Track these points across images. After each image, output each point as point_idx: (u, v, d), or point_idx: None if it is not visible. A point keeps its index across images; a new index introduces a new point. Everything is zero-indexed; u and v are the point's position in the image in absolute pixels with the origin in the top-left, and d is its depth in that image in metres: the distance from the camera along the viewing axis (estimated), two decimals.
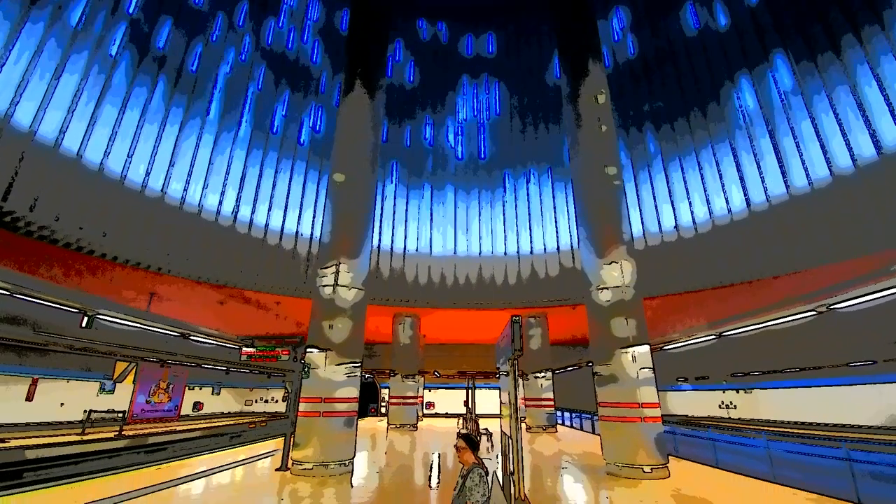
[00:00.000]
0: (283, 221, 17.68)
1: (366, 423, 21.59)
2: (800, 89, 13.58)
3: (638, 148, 18.59)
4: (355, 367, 10.07)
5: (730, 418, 21.89)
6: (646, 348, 9.83)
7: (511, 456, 4.54)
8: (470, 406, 20.12)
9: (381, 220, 20.04)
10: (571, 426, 21.39)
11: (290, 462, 9.19)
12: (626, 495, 7.64)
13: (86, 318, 14.00)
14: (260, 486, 8.32)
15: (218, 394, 30.75)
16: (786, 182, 13.58)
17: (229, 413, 31.36)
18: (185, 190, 14.82)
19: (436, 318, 21.03)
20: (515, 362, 4.55)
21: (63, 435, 14.38)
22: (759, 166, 14.39)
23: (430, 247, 20.46)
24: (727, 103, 15.79)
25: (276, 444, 13.11)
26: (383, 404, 29.84)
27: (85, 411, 16.89)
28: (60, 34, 11.61)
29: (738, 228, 14.63)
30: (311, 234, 18.25)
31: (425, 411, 30.03)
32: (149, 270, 13.43)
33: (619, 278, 10.45)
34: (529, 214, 21.00)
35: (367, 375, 28.46)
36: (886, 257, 11.04)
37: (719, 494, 7.65)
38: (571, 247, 19.27)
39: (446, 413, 30.11)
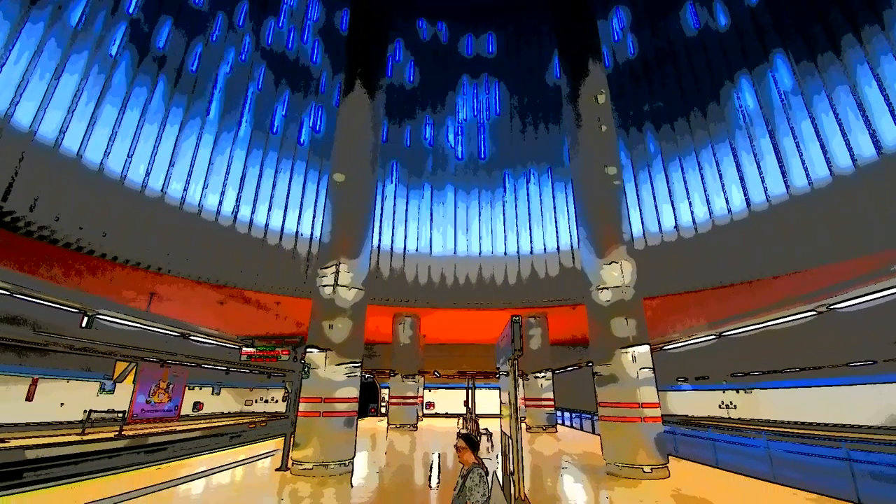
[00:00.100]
0: (283, 221, 17.68)
1: (366, 423, 21.59)
2: (800, 89, 13.58)
3: (638, 148, 18.59)
4: (355, 367, 10.07)
5: (730, 418, 21.89)
6: (646, 348, 9.83)
7: (511, 456, 4.54)
8: (470, 406, 20.13)
9: (381, 220, 20.04)
10: (571, 426, 21.39)
11: (290, 462, 9.19)
12: (626, 495, 7.64)
13: (86, 318, 14.00)
14: (260, 485, 8.32)
15: (218, 394, 30.76)
16: (786, 182, 13.58)
17: (229, 413, 31.37)
18: (185, 190, 14.82)
19: (436, 318, 21.03)
20: (515, 362, 4.55)
21: (63, 435, 14.38)
22: (759, 166, 14.39)
23: (430, 247, 20.47)
24: (727, 103, 15.79)
25: (276, 444, 13.11)
26: (383, 404, 29.84)
27: (85, 411, 16.89)
28: (60, 34, 11.61)
29: (738, 228, 14.63)
30: (311, 234, 18.25)
31: (425, 411, 30.04)
32: (149, 270, 13.43)
33: (619, 278, 10.45)
34: (529, 214, 21.00)
35: (367, 375, 28.46)
36: (886, 257, 11.04)
37: (719, 494, 7.65)
38: (571, 247, 19.28)
39: (446, 413, 30.11)
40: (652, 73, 18.78)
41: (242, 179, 16.71)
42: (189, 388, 26.93)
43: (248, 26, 17.92)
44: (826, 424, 16.26)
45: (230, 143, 16.52)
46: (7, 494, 6.63)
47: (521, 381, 19.56)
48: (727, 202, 15.15)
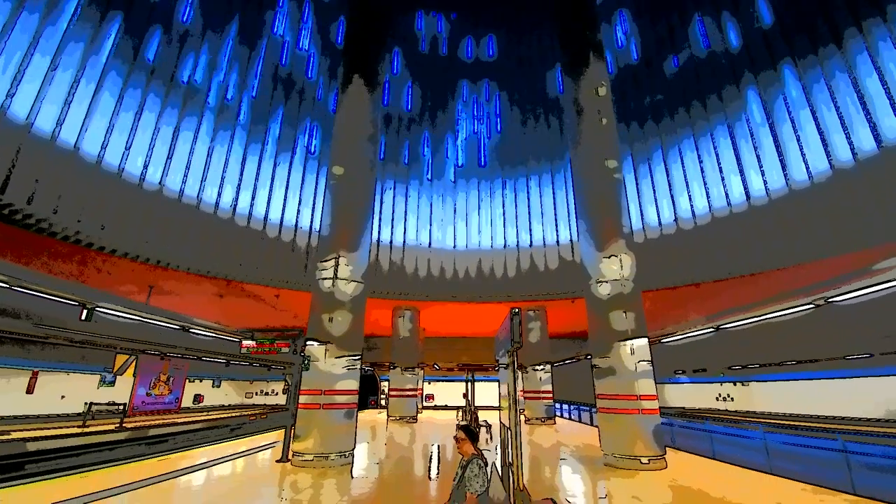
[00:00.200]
0: (283, 214, 17.63)
1: (366, 416, 21.74)
2: (801, 83, 13.49)
3: (638, 141, 18.52)
4: (355, 359, 10.10)
5: (727, 410, 22.07)
6: (644, 341, 9.88)
7: (510, 447, 4.57)
8: (469, 398, 20.24)
9: (380, 213, 20.00)
10: (570, 418, 21.55)
11: (290, 453, 9.25)
12: (624, 486, 7.72)
13: (85, 311, 14.01)
14: (261, 477, 8.39)
15: (218, 386, 30.91)
16: (786, 175, 13.55)
17: (230, 405, 31.52)
18: (184, 182, 14.72)
19: (435, 311, 21.08)
20: (515, 355, 4.55)
21: (64, 427, 14.46)
22: (759, 160, 14.35)
23: (430, 240, 20.46)
24: (727, 98, 15.70)
25: (277, 435, 13.20)
26: (383, 396, 30.02)
27: (86, 404, 16.97)
28: (56, 27, 11.46)
29: (738, 222, 14.62)
30: (311, 226, 18.21)
31: (425, 403, 30.24)
32: (148, 263, 13.40)
33: (618, 272, 10.46)
34: (529, 207, 20.98)
35: (366, 368, 28.60)
36: (886, 251, 11.06)
37: (716, 485, 7.72)
38: (571, 240, 19.29)
39: (446, 405, 30.33)
40: (652, 66, 18.67)
41: (241, 172, 16.60)
42: (189, 381, 27.07)
43: (248, 14, 17.70)
44: (822, 417, 16.40)
45: (229, 135, 16.39)
46: (9, 486, 6.67)
47: (520, 373, 19.66)
48: (726, 196, 15.12)
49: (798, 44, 13.75)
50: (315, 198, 18.86)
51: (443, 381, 31.84)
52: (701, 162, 16.20)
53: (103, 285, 15.92)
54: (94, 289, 15.59)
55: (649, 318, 11.13)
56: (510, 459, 4.55)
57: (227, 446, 11.46)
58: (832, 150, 12.44)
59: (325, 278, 10.50)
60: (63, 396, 18.31)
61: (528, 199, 21.14)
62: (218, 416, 23.00)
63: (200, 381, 29.06)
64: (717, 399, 23.30)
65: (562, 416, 22.48)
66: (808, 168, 12.99)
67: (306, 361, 9.77)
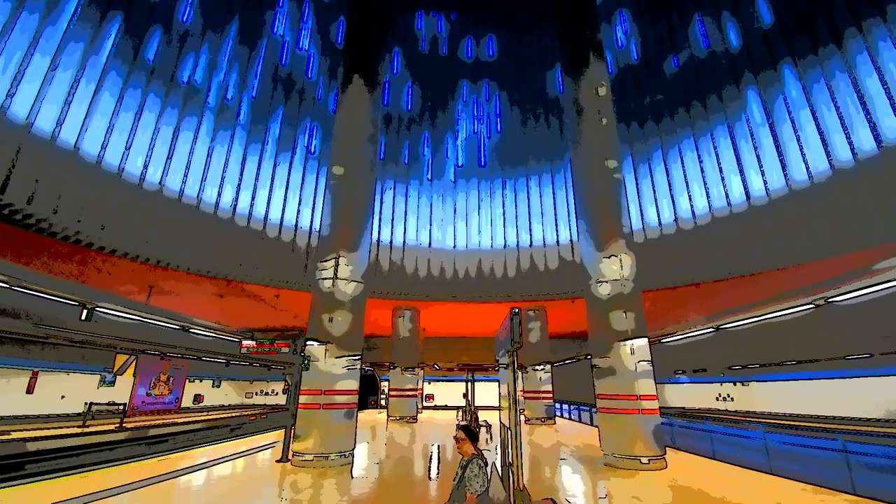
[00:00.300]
0: (283, 214, 17.62)
1: (366, 415, 21.74)
2: (801, 83, 13.49)
3: (638, 141, 18.52)
4: (355, 359, 10.10)
5: (727, 410, 22.06)
6: (644, 341, 9.88)
7: (510, 447, 4.57)
8: (469, 398, 20.24)
9: (380, 213, 20.00)
10: (570, 418, 21.54)
11: (290, 453, 9.25)
12: (624, 486, 7.72)
13: (85, 311, 14.00)
14: (261, 476, 8.39)
15: (218, 386, 30.90)
16: (786, 175, 13.55)
17: (230, 405, 31.52)
18: (184, 182, 14.72)
19: (435, 311, 21.07)
20: (514, 355, 4.55)
21: (64, 427, 14.46)
22: (759, 160, 14.35)
23: (430, 240, 20.46)
24: (727, 98, 15.69)
25: (277, 435, 13.20)
26: (383, 396, 30.02)
27: (86, 404, 16.96)
28: (56, 27, 11.45)
29: (738, 222, 14.62)
30: (311, 227, 18.21)
31: (425, 403, 30.23)
32: (148, 263, 13.40)
33: (618, 272, 10.46)
34: (529, 207, 20.98)
35: (366, 368, 28.60)
36: (886, 251, 11.05)
37: (716, 485, 7.72)
38: (571, 240, 19.29)
39: (446, 405, 30.32)
40: (652, 66, 18.67)
41: (241, 172, 16.60)
42: (189, 381, 27.06)
43: (248, 14, 17.70)
44: (822, 417, 16.39)
45: (229, 135, 16.39)
46: (8, 486, 6.67)
47: (520, 373, 19.66)
48: (727, 196, 15.12)
49: (798, 44, 13.75)
50: (315, 198, 18.86)
51: (443, 381, 31.84)
52: (701, 162, 16.21)
53: (103, 285, 15.92)
54: (94, 289, 15.59)
55: (649, 318, 11.13)
56: (510, 459, 4.55)
57: (227, 446, 11.45)
58: (832, 150, 12.43)
59: (325, 278, 10.49)
60: (63, 396, 18.31)
61: (528, 199, 21.15)
62: (218, 416, 23.00)
63: (200, 381, 29.06)
64: (717, 399, 23.30)
65: (562, 416, 22.48)
66: (808, 168, 12.99)
67: (306, 361, 9.77)
